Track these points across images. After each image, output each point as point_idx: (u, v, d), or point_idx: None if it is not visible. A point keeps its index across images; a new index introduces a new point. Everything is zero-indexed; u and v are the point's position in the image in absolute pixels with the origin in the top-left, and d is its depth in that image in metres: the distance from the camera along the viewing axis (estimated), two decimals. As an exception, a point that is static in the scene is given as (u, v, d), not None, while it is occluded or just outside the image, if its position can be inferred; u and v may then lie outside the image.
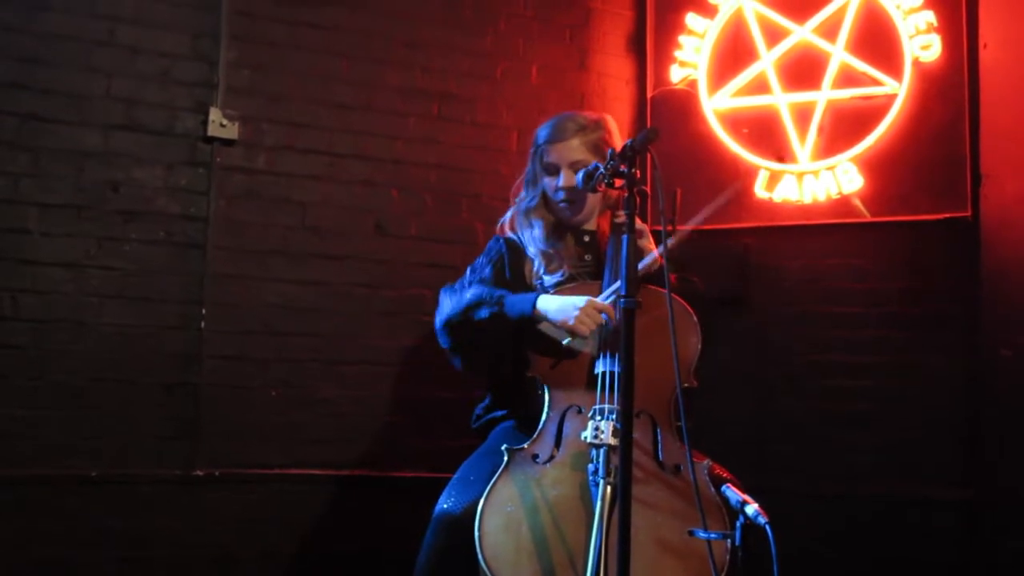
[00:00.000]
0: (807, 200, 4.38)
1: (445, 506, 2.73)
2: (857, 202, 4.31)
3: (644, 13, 4.76)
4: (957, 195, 4.20)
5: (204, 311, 3.95)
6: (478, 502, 2.61)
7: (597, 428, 2.60)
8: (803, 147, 4.40)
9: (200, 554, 3.88)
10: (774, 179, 4.43)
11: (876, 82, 4.33)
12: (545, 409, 2.84)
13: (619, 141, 3.09)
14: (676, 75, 4.63)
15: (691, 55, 4.61)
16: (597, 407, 2.71)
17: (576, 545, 2.51)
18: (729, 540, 2.37)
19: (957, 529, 4.12)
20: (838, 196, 4.34)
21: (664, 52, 4.68)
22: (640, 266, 2.76)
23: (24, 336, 3.72)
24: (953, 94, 4.24)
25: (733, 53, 4.56)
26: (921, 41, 4.26)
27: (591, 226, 3.22)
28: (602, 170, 2.57)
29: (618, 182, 2.53)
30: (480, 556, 2.53)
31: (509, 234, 3.26)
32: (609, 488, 2.48)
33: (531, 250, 3.15)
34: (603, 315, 2.79)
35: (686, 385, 2.80)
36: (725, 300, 4.28)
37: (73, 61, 3.85)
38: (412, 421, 4.22)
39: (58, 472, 3.72)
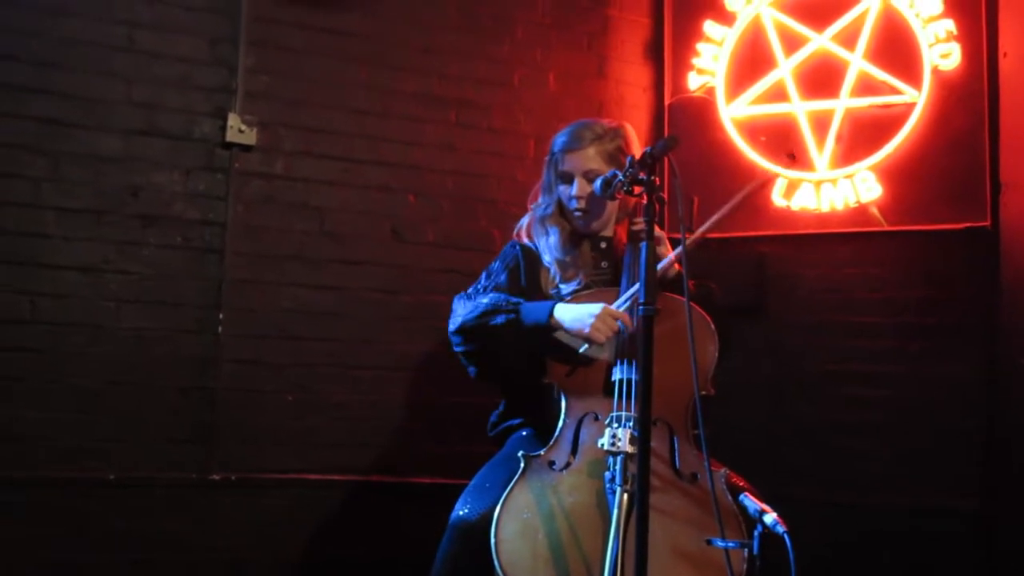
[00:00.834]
0: (825, 209, 4.37)
1: (461, 513, 2.72)
2: (875, 211, 4.29)
3: (662, 20, 4.77)
4: (976, 204, 4.17)
5: (221, 315, 3.96)
6: (494, 509, 2.60)
7: (614, 435, 2.59)
8: (821, 155, 4.39)
9: (214, 558, 3.88)
10: (792, 187, 4.41)
11: (895, 90, 4.31)
12: (562, 416, 2.83)
13: (637, 149, 3.08)
14: (694, 82, 4.63)
15: (709, 62, 4.60)
16: (614, 414, 2.69)
17: (593, 553, 2.50)
18: (747, 549, 2.35)
19: (972, 540, 4.09)
20: (856, 205, 4.33)
21: (682, 59, 4.68)
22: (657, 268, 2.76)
23: (42, 339, 3.73)
24: (972, 103, 4.22)
25: (751, 61, 4.56)
26: (941, 50, 4.25)
27: (608, 233, 3.21)
28: (620, 177, 2.56)
29: (636, 189, 2.52)
30: (496, 563, 2.52)
31: (525, 240, 3.25)
32: (626, 496, 2.47)
33: (547, 258, 3.14)
34: (619, 322, 2.78)
35: (703, 393, 2.79)
36: (741, 308, 4.27)
37: (92, 66, 3.87)
38: (428, 427, 4.22)
39: (74, 475, 3.73)
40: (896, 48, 4.33)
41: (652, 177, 2.49)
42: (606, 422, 2.69)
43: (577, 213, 3.12)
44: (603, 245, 3.19)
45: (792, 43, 4.49)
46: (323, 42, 4.22)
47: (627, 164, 2.55)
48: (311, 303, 4.11)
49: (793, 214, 4.42)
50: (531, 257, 3.19)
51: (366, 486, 4.11)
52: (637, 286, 2.72)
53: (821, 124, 4.42)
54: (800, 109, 4.45)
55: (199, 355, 3.93)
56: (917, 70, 4.28)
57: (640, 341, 2.37)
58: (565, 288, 3.06)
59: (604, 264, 3.17)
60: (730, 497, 2.58)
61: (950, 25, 4.24)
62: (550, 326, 2.85)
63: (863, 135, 4.35)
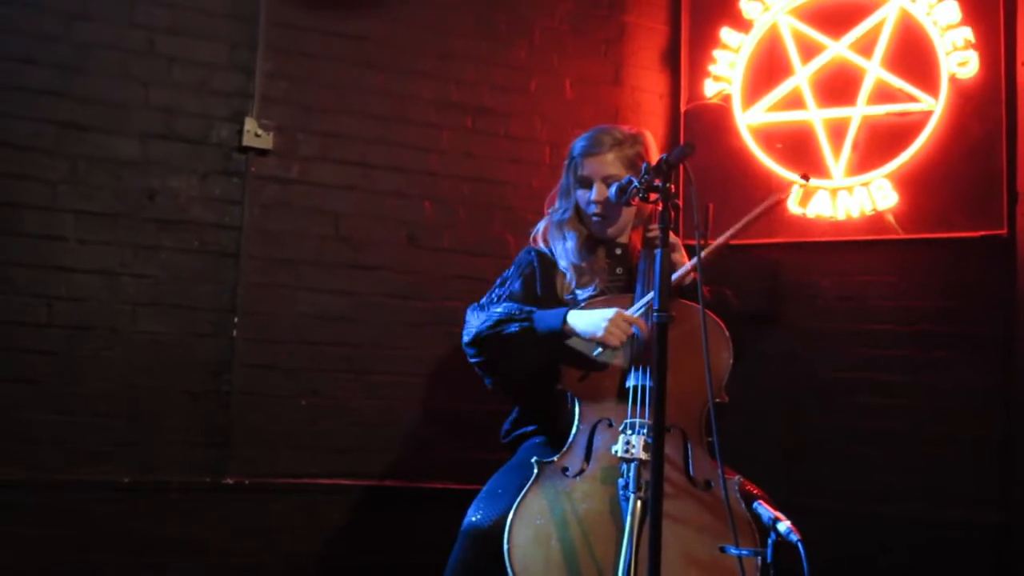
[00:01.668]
0: (840, 216, 4.36)
1: (473, 519, 2.72)
2: (891, 219, 4.28)
3: (679, 27, 4.76)
4: (993, 213, 4.15)
5: (236, 320, 3.98)
6: (507, 515, 2.60)
7: (628, 442, 2.59)
8: (837, 163, 4.38)
9: (228, 562, 3.89)
10: (807, 195, 4.40)
11: (912, 98, 4.30)
12: (575, 422, 2.83)
13: (655, 156, 3.08)
14: (710, 89, 4.63)
15: (725, 69, 4.60)
16: (628, 421, 2.69)
17: (606, 560, 2.49)
18: (760, 557, 2.35)
19: (990, 552, 4.07)
20: (872, 212, 4.31)
21: (698, 66, 4.68)
22: (672, 278, 2.75)
23: (58, 342, 3.76)
24: (990, 111, 4.20)
25: (768, 68, 4.55)
26: (958, 58, 4.23)
27: (623, 239, 3.21)
28: (636, 184, 2.56)
29: (651, 196, 2.52)
30: (509, 569, 2.51)
31: (540, 246, 3.25)
32: (639, 503, 2.47)
33: (563, 263, 3.14)
34: (633, 327, 2.78)
35: (717, 400, 2.78)
36: (756, 316, 4.26)
37: (111, 70, 3.89)
38: (441, 432, 4.22)
39: (88, 478, 3.75)
40: (913, 56, 4.32)
41: (668, 184, 2.49)
42: (620, 429, 2.68)
43: (595, 218, 3.11)
44: (618, 251, 3.19)
45: (809, 50, 4.48)
46: (340, 48, 4.23)
47: (643, 171, 2.54)
48: (326, 308, 4.13)
49: (809, 221, 4.41)
50: (546, 263, 3.19)
51: (379, 491, 4.11)
52: (652, 293, 2.72)
53: (837, 132, 4.41)
54: (816, 117, 4.44)
55: (214, 359, 3.95)
56: (934, 78, 4.27)
57: (655, 348, 2.37)
58: (581, 294, 3.06)
59: (619, 270, 3.16)
60: (744, 505, 2.58)
61: (968, 33, 4.23)
62: (564, 332, 2.85)
63: (879, 143, 4.33)
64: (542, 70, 4.56)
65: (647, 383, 2.73)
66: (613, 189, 2.76)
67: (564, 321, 2.85)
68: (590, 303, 2.97)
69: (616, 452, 2.60)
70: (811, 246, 4.44)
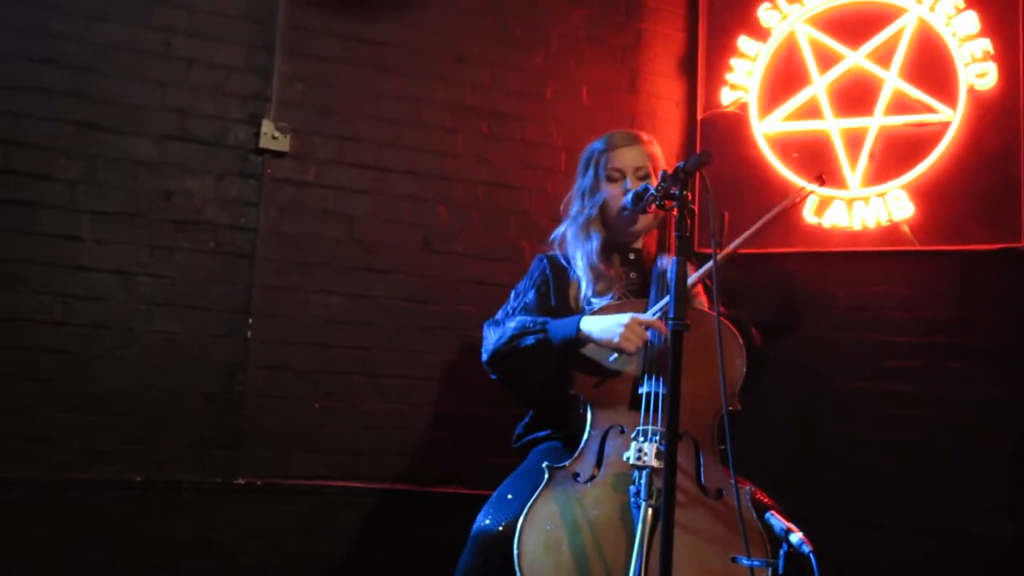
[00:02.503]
0: (856, 227, 4.35)
1: (484, 524, 2.71)
2: (906, 229, 4.27)
3: (696, 35, 4.76)
4: (1010, 225, 4.14)
5: (251, 321, 3.98)
6: (517, 520, 2.60)
7: (640, 449, 2.59)
8: (854, 173, 4.37)
9: (239, 563, 3.89)
10: (823, 205, 4.40)
11: (930, 109, 4.29)
12: (587, 428, 2.82)
13: (664, 165, 3.09)
14: (727, 98, 4.62)
15: (742, 78, 4.59)
16: (640, 428, 2.68)
17: (616, 567, 2.49)
18: (771, 568, 2.34)
19: (1001, 563, 4.05)
20: (888, 223, 4.30)
21: (715, 74, 4.68)
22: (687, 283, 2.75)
23: (74, 341, 3.77)
24: (1008, 123, 4.18)
25: (785, 77, 4.55)
26: (977, 69, 4.22)
27: (638, 244, 3.20)
28: (652, 191, 2.56)
29: (668, 203, 2.52)
30: (519, 575, 2.51)
31: (552, 253, 3.24)
32: (651, 511, 2.47)
33: (579, 266, 3.12)
34: (650, 332, 2.77)
35: (730, 408, 2.77)
36: (771, 325, 4.25)
37: (129, 71, 3.90)
38: (453, 437, 4.22)
39: (101, 477, 3.76)
40: (931, 67, 4.31)
41: (684, 191, 2.48)
42: (632, 435, 2.68)
43: (624, 213, 3.06)
44: (632, 256, 3.19)
45: (826, 60, 4.48)
46: (357, 51, 4.24)
47: (660, 178, 2.54)
48: (340, 310, 4.13)
49: (824, 231, 4.40)
50: (558, 270, 3.18)
51: (390, 494, 4.11)
52: (666, 299, 2.72)
53: (854, 142, 4.40)
54: (833, 126, 4.43)
55: (228, 360, 3.96)
56: (952, 89, 4.26)
57: (669, 355, 2.36)
58: (597, 303, 3.04)
59: (633, 275, 3.16)
60: (755, 515, 2.57)
61: (987, 45, 4.22)
62: (579, 340, 2.85)
63: (896, 153, 4.32)
64: (558, 76, 4.56)
65: (660, 390, 2.72)
66: (629, 196, 2.77)
67: (578, 328, 2.85)
68: (604, 308, 2.96)
69: (628, 459, 2.60)
70: (826, 256, 4.43)
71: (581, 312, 3.00)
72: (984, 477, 4.13)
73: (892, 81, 4.35)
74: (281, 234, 4.07)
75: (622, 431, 2.77)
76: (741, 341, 2.89)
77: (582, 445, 2.79)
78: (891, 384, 4.30)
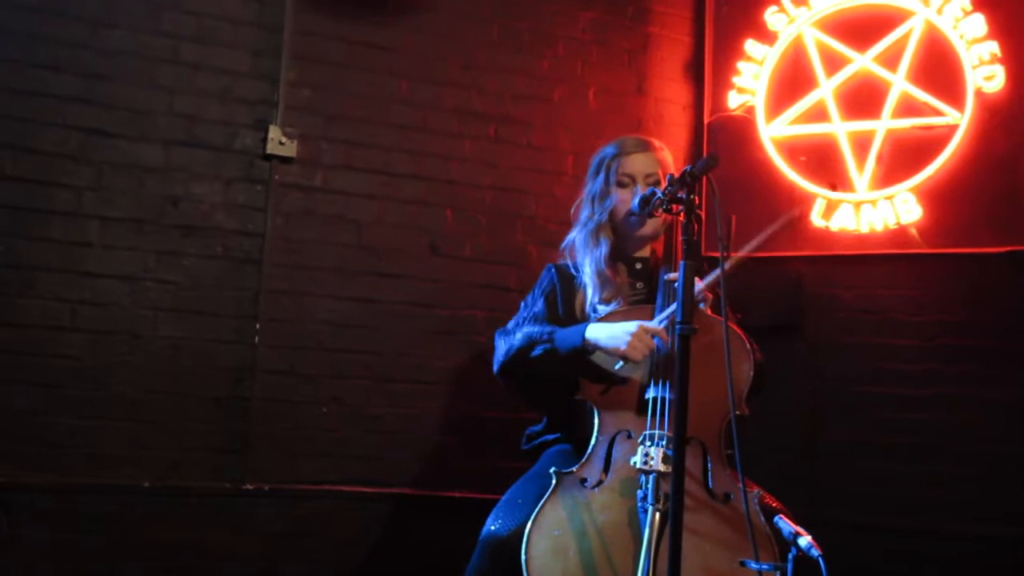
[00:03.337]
0: (864, 230, 4.34)
1: (492, 528, 2.71)
2: (914, 232, 4.26)
3: (703, 39, 4.76)
4: (1018, 227, 4.14)
5: (258, 326, 3.99)
6: (525, 525, 2.60)
7: (647, 454, 2.59)
8: (861, 176, 4.37)
9: (247, 568, 3.89)
10: (831, 208, 4.39)
11: (937, 112, 4.29)
12: (594, 433, 2.82)
13: (673, 171, 3.08)
14: (734, 101, 4.62)
15: (749, 81, 4.59)
16: (647, 433, 2.68)
17: (624, 571, 2.48)
18: (780, 572, 2.33)
19: (1013, 567, 4.03)
20: (896, 226, 4.30)
21: (722, 78, 4.68)
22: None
23: (81, 347, 3.77)
24: (1016, 125, 4.19)
25: (792, 80, 4.54)
26: (985, 72, 4.21)
27: (645, 253, 3.20)
28: (660, 195, 2.56)
29: (675, 208, 2.52)
30: (527, 579, 2.52)
31: (562, 262, 3.24)
32: (658, 515, 2.46)
33: (587, 272, 3.12)
34: (655, 340, 2.77)
35: (737, 412, 2.77)
36: (779, 328, 4.25)
37: (137, 77, 3.92)
38: (461, 441, 4.22)
39: (109, 482, 3.76)
40: (939, 69, 4.31)
41: (691, 196, 2.48)
42: (639, 440, 2.68)
43: (632, 219, 3.07)
44: (638, 266, 3.18)
45: (833, 63, 4.47)
46: (364, 57, 4.25)
47: (666, 182, 2.54)
48: (347, 315, 4.13)
49: (832, 234, 4.40)
50: (566, 278, 3.18)
51: (398, 499, 4.11)
52: (673, 306, 2.72)
53: (862, 145, 4.39)
54: (841, 130, 4.43)
55: (235, 365, 3.96)
56: (960, 92, 4.25)
57: (676, 361, 2.36)
58: (603, 310, 3.03)
59: (639, 285, 3.16)
60: (763, 518, 2.57)
61: (994, 47, 4.21)
62: (585, 348, 2.85)
63: (904, 156, 4.32)
64: (565, 80, 4.56)
65: (667, 395, 2.72)
66: (636, 201, 2.77)
67: (584, 337, 2.85)
68: (610, 316, 2.96)
69: (635, 464, 2.60)
70: (834, 259, 4.43)
71: (587, 320, 3.00)
72: (994, 480, 4.11)
73: (899, 84, 4.34)
74: (288, 239, 4.07)
75: (629, 436, 2.77)
76: (748, 346, 2.89)
77: (589, 450, 2.79)
78: (899, 387, 4.29)
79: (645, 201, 2.69)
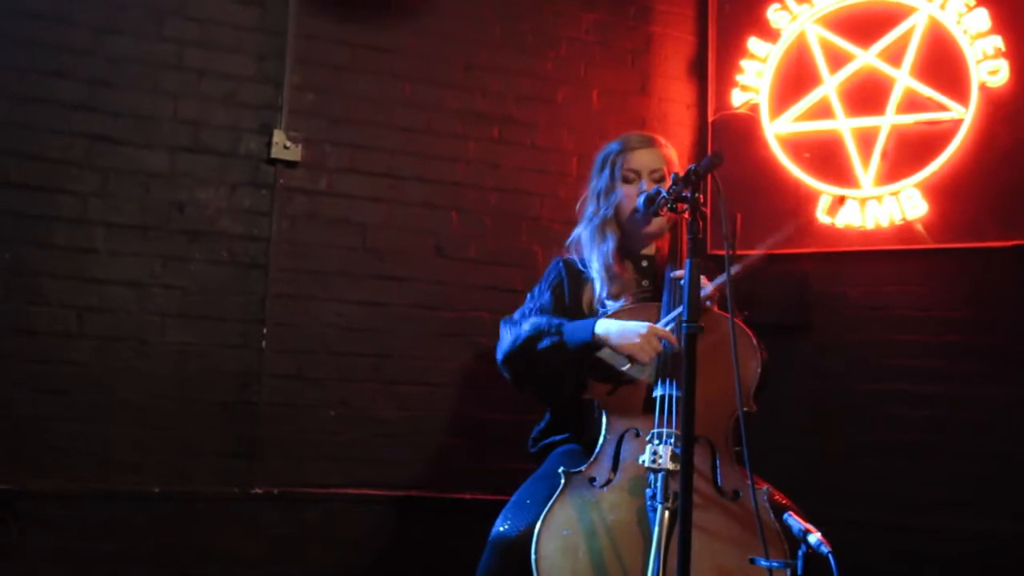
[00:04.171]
0: (869, 226, 4.34)
1: (501, 529, 2.71)
2: (920, 228, 4.25)
3: (706, 37, 4.76)
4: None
5: (265, 330, 3.99)
6: (534, 525, 2.60)
7: (655, 452, 2.58)
8: (866, 172, 4.36)
9: (256, 572, 3.90)
10: (836, 205, 4.38)
11: (942, 107, 4.28)
12: (602, 432, 2.82)
13: (678, 168, 3.08)
14: (737, 99, 4.62)
15: (753, 79, 4.59)
16: (655, 431, 2.67)
17: (634, 570, 2.48)
18: (790, 570, 2.33)
19: (1019, 567, 4.01)
20: (901, 222, 4.29)
21: (726, 76, 4.67)
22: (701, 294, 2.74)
23: (88, 353, 3.78)
24: (1021, 119, 4.17)
25: (795, 78, 4.54)
26: (988, 66, 4.21)
27: (650, 250, 3.20)
28: (664, 194, 2.56)
29: (680, 206, 2.52)
30: (537, 580, 2.51)
31: (569, 256, 3.24)
32: (667, 513, 2.46)
33: (595, 267, 3.12)
34: (663, 341, 2.77)
35: (745, 410, 2.76)
36: (785, 326, 4.24)
37: (141, 83, 3.92)
38: (469, 443, 4.22)
39: (119, 488, 3.77)
40: (943, 65, 4.30)
41: (696, 194, 2.48)
42: (647, 439, 2.67)
43: (637, 216, 3.06)
44: (644, 264, 3.18)
45: (837, 60, 4.47)
46: (368, 60, 4.25)
47: (671, 181, 2.54)
48: (353, 318, 4.13)
49: (837, 231, 4.39)
50: (574, 272, 3.18)
51: (407, 501, 4.11)
52: (681, 308, 2.71)
53: (866, 141, 4.38)
54: (845, 126, 4.42)
55: (242, 370, 3.96)
56: (964, 87, 4.24)
57: (684, 359, 2.36)
58: (611, 306, 3.04)
59: (645, 282, 3.16)
60: (773, 515, 2.56)
61: (998, 42, 4.20)
62: (594, 344, 2.85)
63: (909, 152, 4.31)
64: (569, 80, 4.56)
65: (674, 393, 2.72)
66: (641, 200, 2.77)
67: (593, 333, 2.85)
68: (618, 313, 2.95)
69: (643, 462, 2.59)
70: (840, 256, 4.42)
71: (595, 315, 3.00)
72: (1001, 477, 4.10)
73: (903, 80, 4.34)
74: (294, 243, 4.08)
75: (637, 434, 2.77)
76: (755, 343, 2.88)
77: (598, 449, 2.79)
78: (907, 384, 4.28)
79: (650, 200, 2.69)
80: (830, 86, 4.46)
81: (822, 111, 4.48)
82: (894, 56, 4.37)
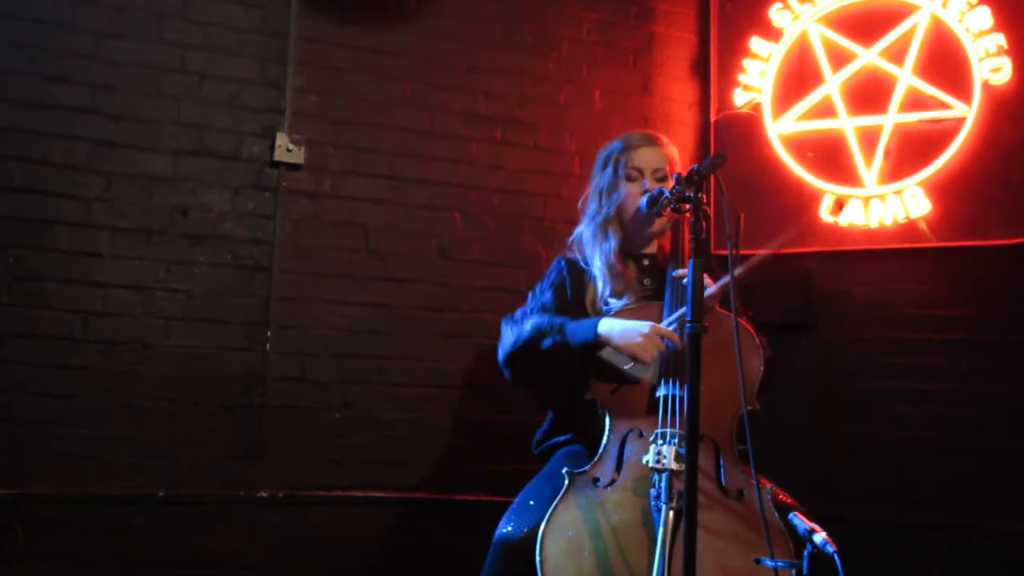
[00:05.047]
0: (873, 224, 4.33)
1: (505, 530, 2.71)
2: (924, 226, 4.25)
3: (708, 37, 4.76)
4: (1027, 219, 4.13)
5: (269, 333, 3.99)
6: (539, 526, 2.59)
7: (659, 452, 2.58)
8: (869, 171, 4.36)
9: (261, 574, 3.90)
10: (840, 203, 4.38)
11: (944, 105, 4.27)
12: (606, 432, 2.82)
13: (680, 167, 3.08)
14: (740, 99, 4.61)
15: (755, 79, 4.59)
16: (659, 431, 2.68)
17: (639, 570, 2.48)
18: (795, 569, 2.32)
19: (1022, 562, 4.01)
20: (905, 220, 4.28)
21: (728, 76, 4.67)
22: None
23: (93, 357, 3.78)
24: (1023, 117, 4.17)
25: (798, 76, 4.53)
26: (991, 64, 4.20)
27: (652, 249, 3.20)
28: (667, 195, 2.55)
29: (683, 206, 2.51)
30: (541, 581, 2.51)
31: (571, 255, 3.23)
32: (672, 513, 2.46)
33: (597, 265, 3.12)
34: (666, 340, 2.77)
35: (749, 408, 2.75)
36: (790, 325, 4.23)
37: (144, 87, 3.93)
38: (472, 444, 4.22)
39: (124, 492, 3.77)
40: (945, 63, 4.29)
41: (699, 194, 2.48)
42: (651, 439, 2.67)
43: (640, 215, 3.05)
44: (646, 263, 3.18)
45: (839, 59, 4.46)
46: (370, 62, 4.25)
47: (674, 181, 2.54)
48: (357, 320, 4.14)
49: (841, 230, 4.39)
50: (576, 271, 3.17)
51: (411, 503, 4.11)
52: (683, 309, 2.71)
53: (869, 139, 4.38)
54: (848, 125, 4.42)
55: (247, 372, 3.97)
56: (967, 85, 4.24)
57: (688, 360, 2.36)
58: (614, 304, 3.03)
59: (647, 281, 3.15)
60: (777, 515, 2.56)
61: (1000, 39, 4.20)
62: (597, 343, 2.84)
63: (912, 150, 4.31)
64: (571, 81, 4.56)
65: (677, 393, 2.72)
66: (644, 200, 2.77)
67: (596, 332, 2.84)
68: (620, 312, 2.95)
69: (647, 463, 2.59)
70: (844, 255, 4.41)
71: (599, 313, 3.00)
72: (1007, 476, 4.09)
73: (906, 78, 4.33)
74: (297, 246, 4.08)
75: (641, 435, 2.76)
76: (758, 341, 2.88)
77: (601, 450, 2.79)
78: (911, 382, 4.28)
79: (653, 200, 2.69)
80: (832, 85, 4.46)
81: (825, 110, 4.47)
82: (896, 55, 4.36)
